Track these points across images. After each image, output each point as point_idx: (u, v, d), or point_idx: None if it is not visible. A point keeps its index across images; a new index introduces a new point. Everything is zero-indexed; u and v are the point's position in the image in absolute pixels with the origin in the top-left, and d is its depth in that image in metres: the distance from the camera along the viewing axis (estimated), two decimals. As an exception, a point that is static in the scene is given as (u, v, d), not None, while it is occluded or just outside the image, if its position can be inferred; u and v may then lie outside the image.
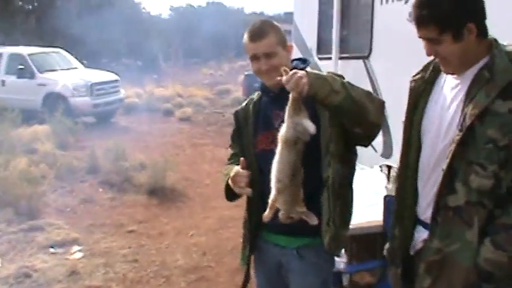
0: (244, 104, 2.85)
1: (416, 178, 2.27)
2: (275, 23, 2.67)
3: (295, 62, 2.71)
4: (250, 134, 2.73)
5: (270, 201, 2.32)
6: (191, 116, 15.50)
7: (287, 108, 2.25)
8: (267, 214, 2.34)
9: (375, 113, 2.36)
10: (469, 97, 2.02)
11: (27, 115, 12.29)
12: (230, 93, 18.91)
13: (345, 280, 4.11)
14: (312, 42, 7.31)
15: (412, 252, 2.28)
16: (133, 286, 5.11)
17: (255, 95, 2.81)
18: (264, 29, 2.55)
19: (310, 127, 2.21)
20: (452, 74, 2.13)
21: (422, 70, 2.31)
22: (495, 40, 2.09)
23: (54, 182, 8.25)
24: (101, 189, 8.31)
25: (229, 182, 2.54)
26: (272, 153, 2.33)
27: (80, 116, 13.46)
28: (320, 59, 6.92)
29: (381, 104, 2.41)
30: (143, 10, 42.21)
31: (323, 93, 2.24)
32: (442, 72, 2.20)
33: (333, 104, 2.28)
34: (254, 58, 2.58)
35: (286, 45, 2.60)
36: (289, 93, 2.47)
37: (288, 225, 2.34)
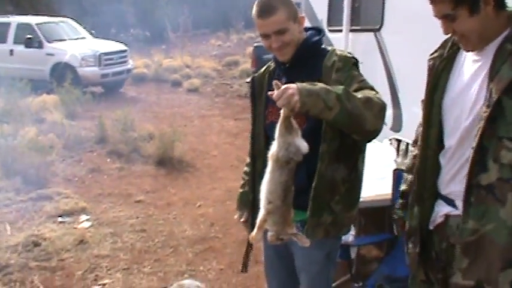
0: (261, 71, 2.80)
1: (437, 158, 2.20)
2: None
3: (309, 33, 2.63)
4: (263, 104, 2.70)
5: (258, 221, 2.23)
6: (199, 87, 15.43)
7: (278, 126, 2.15)
8: (254, 235, 2.25)
9: (372, 121, 2.24)
10: (494, 72, 1.94)
11: (35, 85, 12.27)
12: (238, 64, 18.79)
13: (353, 253, 4.12)
14: (322, 14, 7.24)
15: (431, 227, 2.24)
16: (141, 256, 5.14)
17: (272, 64, 2.75)
18: (273, 5, 2.44)
19: (303, 147, 2.12)
20: (472, 50, 2.06)
21: (440, 47, 2.24)
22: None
23: (62, 151, 8.29)
24: (109, 159, 8.33)
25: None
26: None
27: (88, 86, 13.44)
28: (330, 31, 6.85)
29: (380, 110, 2.27)
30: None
31: (316, 110, 2.12)
32: (461, 49, 2.13)
33: (327, 119, 2.21)
34: (264, 36, 2.51)
35: (297, 17, 2.51)
36: (301, 65, 2.44)
37: (294, 199, 2.25)
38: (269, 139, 2.44)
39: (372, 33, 5.90)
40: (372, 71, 5.00)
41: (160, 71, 17.25)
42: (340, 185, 2.50)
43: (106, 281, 4.65)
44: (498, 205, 1.95)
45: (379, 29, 5.79)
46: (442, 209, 2.19)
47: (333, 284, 4.14)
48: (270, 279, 2.96)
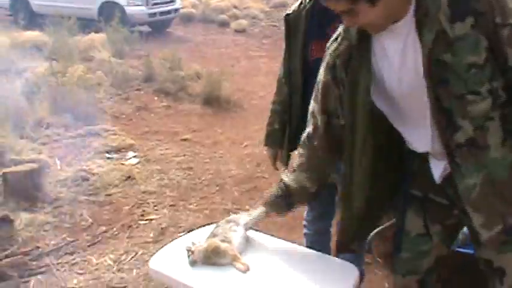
0: (295, 7, 2.76)
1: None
2: None
3: None
4: (300, 41, 2.68)
5: None
6: (247, 28, 15.29)
7: None
8: None
9: None
10: (421, 43, 1.81)
11: (83, 23, 12.31)
12: (287, 6, 18.46)
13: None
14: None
15: (440, 180, 2.08)
16: (187, 193, 5.17)
17: (307, 1, 2.70)
18: None
19: None
20: (382, 31, 1.89)
21: (343, 39, 2.04)
22: None
23: (110, 89, 8.32)
24: (156, 98, 8.34)
25: None
26: None
27: (135, 25, 13.42)
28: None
29: None
30: None
31: None
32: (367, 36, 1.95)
33: None
34: None
35: None
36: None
37: None
38: (309, 75, 2.55)
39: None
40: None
41: (208, 11, 17.12)
42: None
43: (153, 216, 4.70)
44: (484, 151, 1.86)
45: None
46: (441, 163, 2.04)
47: (377, 229, 4.09)
48: None
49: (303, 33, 2.69)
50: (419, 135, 2.02)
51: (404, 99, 1.96)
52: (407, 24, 1.84)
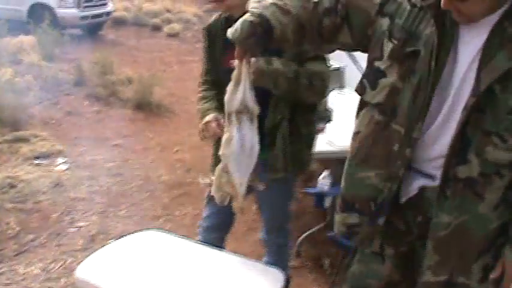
0: (215, 16, 2.85)
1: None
2: None
3: None
4: (219, 50, 2.77)
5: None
6: (179, 32, 15.25)
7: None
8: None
9: (313, 98, 2.69)
10: (487, 55, 1.69)
11: (12, 25, 12.02)
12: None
13: (327, 202, 4.16)
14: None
15: (403, 200, 2.01)
16: (117, 199, 5.16)
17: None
18: None
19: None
20: (466, 23, 1.75)
21: None
22: None
23: (39, 93, 8.14)
24: (86, 102, 8.25)
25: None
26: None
27: (66, 27, 13.18)
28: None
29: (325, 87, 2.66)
30: None
31: (265, 86, 2.43)
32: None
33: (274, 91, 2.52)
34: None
35: None
36: None
37: None
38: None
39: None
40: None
41: (141, 15, 16.95)
42: (296, 129, 2.72)
43: (82, 223, 4.67)
44: (477, 199, 1.81)
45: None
46: (419, 182, 1.96)
47: (307, 232, 4.21)
48: None
49: (221, 43, 2.76)
50: (434, 141, 1.88)
51: (445, 100, 1.82)
52: (487, 25, 1.71)
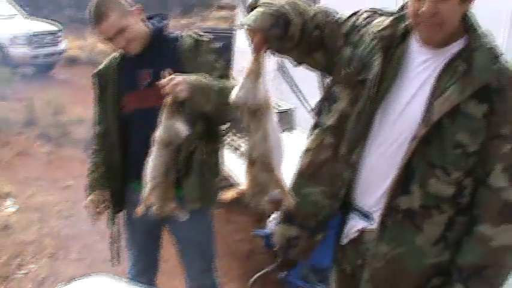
0: (106, 64, 2.84)
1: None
2: None
3: (152, 21, 2.75)
4: (114, 94, 2.76)
5: (143, 196, 2.39)
6: (133, 72, 15.24)
7: (163, 111, 2.30)
8: (140, 209, 2.42)
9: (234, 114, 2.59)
10: (438, 88, 1.76)
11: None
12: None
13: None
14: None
15: (344, 242, 2.09)
16: (68, 242, 5.07)
17: (117, 54, 2.81)
18: (103, 9, 2.53)
19: (183, 131, 2.31)
20: (432, 46, 1.81)
21: (388, 26, 1.89)
22: (475, 23, 1.80)
23: (-11, 133, 8.07)
24: (37, 143, 8.14)
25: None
26: (146, 111, 2.55)
27: (18, 66, 13.05)
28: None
29: None
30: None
31: (198, 103, 2.46)
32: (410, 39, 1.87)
33: (202, 110, 2.55)
34: (108, 39, 2.60)
35: (130, 11, 2.60)
36: (155, 53, 2.62)
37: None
38: (131, 128, 2.75)
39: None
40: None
41: (94, 54, 16.93)
42: (209, 159, 2.76)
43: (31, 267, 4.57)
44: (415, 231, 1.84)
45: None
46: (357, 224, 2.02)
47: (259, 273, 4.20)
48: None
49: (115, 88, 2.76)
50: (373, 176, 1.93)
51: (393, 123, 1.87)
52: (442, 56, 1.79)
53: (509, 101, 1.73)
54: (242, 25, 1.85)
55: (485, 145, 1.74)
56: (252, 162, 1.86)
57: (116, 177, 2.88)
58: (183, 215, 2.50)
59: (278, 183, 1.87)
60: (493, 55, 1.76)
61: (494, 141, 1.74)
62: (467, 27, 1.79)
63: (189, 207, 2.63)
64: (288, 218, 2.17)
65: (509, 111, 1.73)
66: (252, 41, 1.84)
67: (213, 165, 2.82)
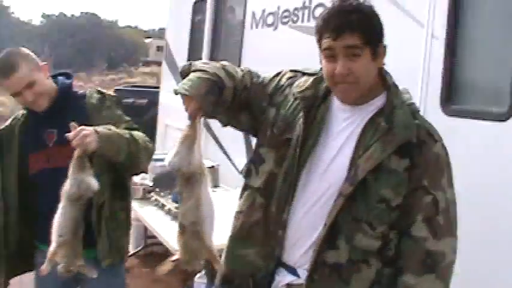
0: (8, 124, 2.78)
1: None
2: (20, 49, 2.60)
3: (60, 78, 2.74)
4: (15, 155, 2.68)
5: (49, 254, 2.27)
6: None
7: (71, 165, 2.24)
8: (45, 267, 2.28)
9: (145, 163, 2.66)
10: (363, 145, 1.80)
11: None
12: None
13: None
14: (182, 61, 7.29)
15: None
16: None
17: (20, 114, 2.77)
18: (13, 62, 2.48)
19: (94, 185, 2.24)
20: (351, 103, 1.85)
21: (310, 87, 1.93)
22: (391, 80, 1.88)
23: None
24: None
25: None
26: (54, 170, 2.45)
27: None
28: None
29: (152, 153, 2.65)
30: (12, 15, 40.49)
31: (109, 153, 2.40)
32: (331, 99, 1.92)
33: (115, 161, 2.48)
34: (16, 94, 2.54)
35: (39, 67, 2.57)
36: (62, 110, 2.57)
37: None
38: (35, 189, 2.64)
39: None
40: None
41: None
42: (119, 213, 2.71)
43: None
44: (342, 285, 1.83)
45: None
46: (283, 279, 1.96)
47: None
48: None
49: (18, 149, 2.67)
50: (301, 232, 1.92)
51: (319, 180, 1.88)
52: (362, 114, 1.84)
53: (428, 155, 1.80)
54: (176, 92, 1.86)
55: (407, 197, 1.78)
56: (183, 230, 1.86)
57: (9, 241, 2.71)
58: (91, 273, 2.37)
59: (209, 251, 1.87)
60: (412, 112, 1.84)
61: (415, 192, 1.79)
62: (386, 86, 1.86)
63: (99, 264, 2.56)
64: (225, 280, 2.11)
65: (428, 164, 1.79)
66: (187, 107, 1.85)
67: (122, 220, 2.74)
